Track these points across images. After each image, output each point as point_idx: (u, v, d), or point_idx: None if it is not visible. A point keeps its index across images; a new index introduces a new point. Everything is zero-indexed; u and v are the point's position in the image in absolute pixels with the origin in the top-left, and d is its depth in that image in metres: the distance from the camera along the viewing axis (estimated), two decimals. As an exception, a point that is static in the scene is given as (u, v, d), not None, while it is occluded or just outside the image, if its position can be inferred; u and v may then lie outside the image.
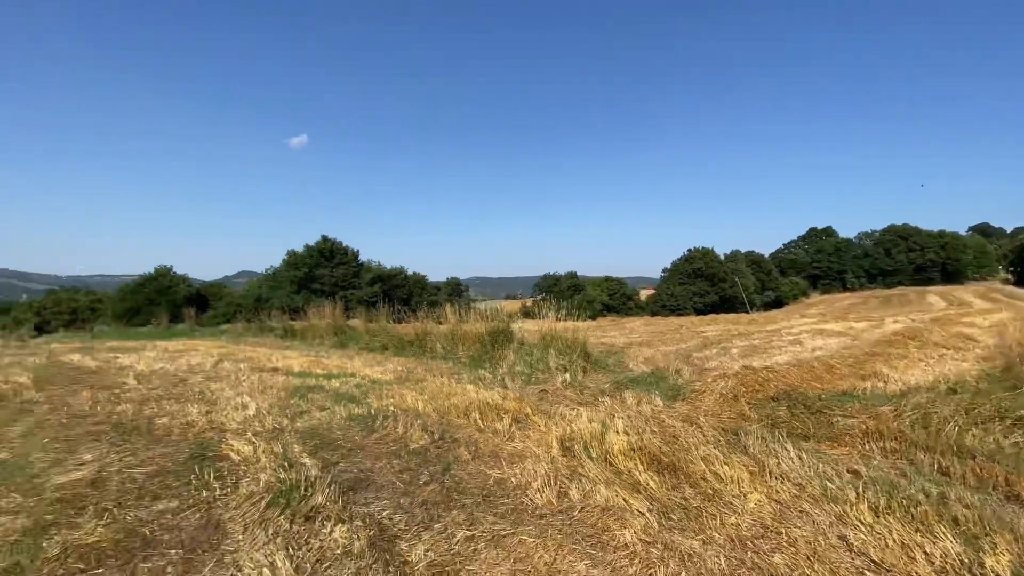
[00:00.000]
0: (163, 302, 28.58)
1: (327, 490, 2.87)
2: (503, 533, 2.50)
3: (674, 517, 2.68)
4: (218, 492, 2.96)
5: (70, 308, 32.34)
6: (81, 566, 2.19)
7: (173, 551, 2.32)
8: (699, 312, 47.40)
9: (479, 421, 4.36)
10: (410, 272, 41.69)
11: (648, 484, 3.07)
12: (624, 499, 2.84)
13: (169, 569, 2.18)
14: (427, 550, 2.33)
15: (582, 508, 2.78)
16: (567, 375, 6.35)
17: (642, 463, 3.36)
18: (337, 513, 2.64)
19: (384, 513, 2.72)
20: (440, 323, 9.74)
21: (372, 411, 4.78)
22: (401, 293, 36.58)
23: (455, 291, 47.43)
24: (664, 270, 58.53)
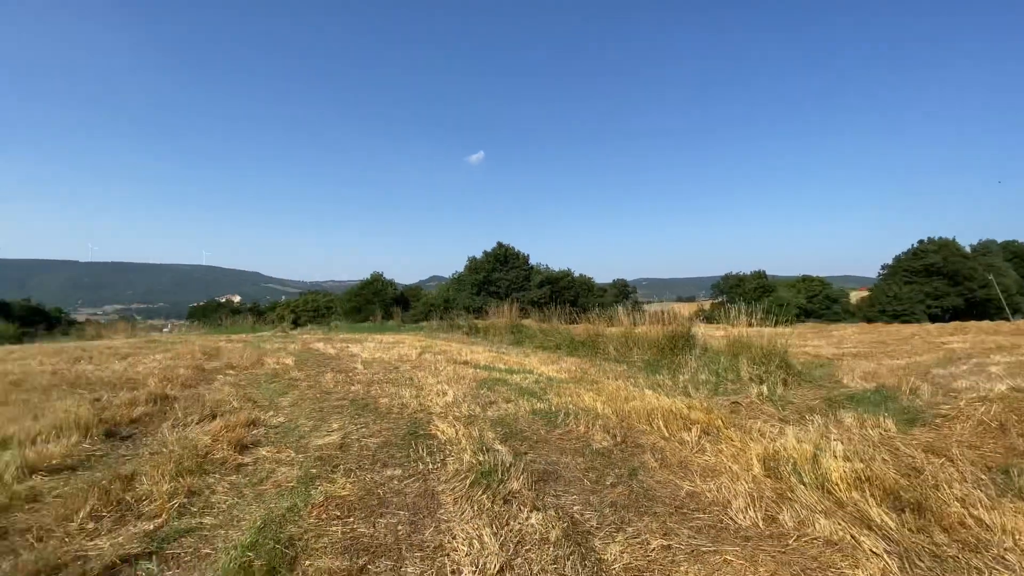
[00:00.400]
0: (377, 302, 34.31)
1: (521, 477, 3.06)
2: (703, 549, 2.33)
3: (922, 564, 2.17)
4: (431, 466, 3.39)
5: (314, 307, 41.08)
6: (338, 513, 2.72)
7: (402, 512, 2.73)
8: (934, 319, 37.82)
9: (663, 429, 4.16)
10: (576, 274, 42.29)
11: (884, 521, 2.54)
12: (852, 535, 2.40)
13: (400, 527, 2.57)
14: (622, 551, 2.30)
15: (798, 537, 2.43)
16: (763, 387, 5.66)
17: (872, 496, 2.81)
18: (532, 501, 2.79)
19: (575, 508, 2.78)
20: (611, 325, 9.63)
21: (552, 407, 4.95)
22: (568, 295, 37.32)
23: (622, 293, 46.49)
24: (883, 267, 48.18)
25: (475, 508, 2.71)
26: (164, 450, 3.67)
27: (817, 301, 45.38)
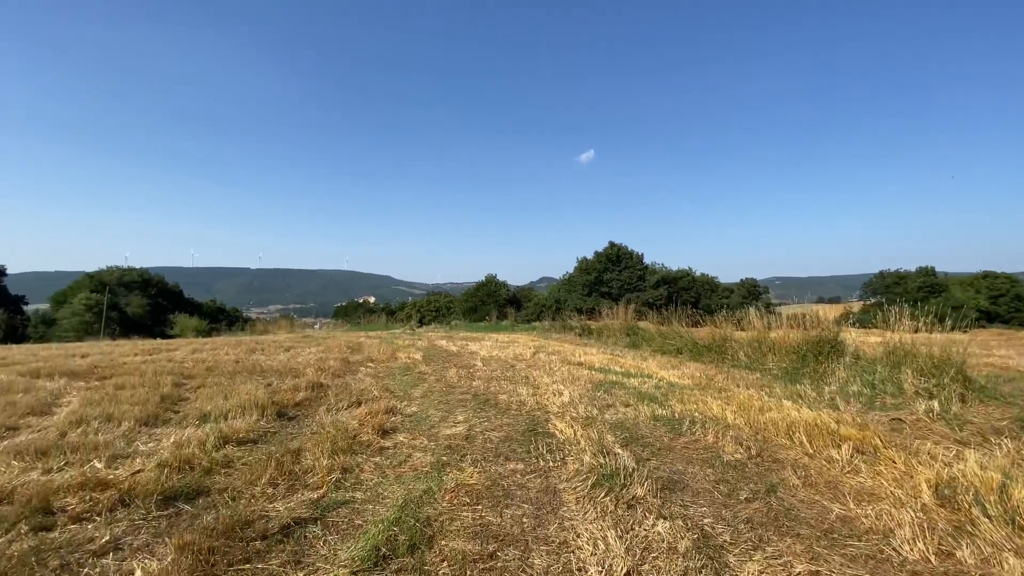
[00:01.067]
0: (491, 303, 35.72)
1: (645, 483, 2.98)
2: (862, 583, 2.05)
3: None
4: (551, 464, 3.45)
5: (436, 307, 44.07)
6: (467, 500, 2.90)
7: (526, 505, 2.82)
8: None
9: (807, 444, 3.74)
10: (697, 274, 39.67)
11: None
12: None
13: (525, 519, 2.66)
14: (761, 571, 2.13)
15: (985, 580, 2.03)
16: (933, 403, 4.78)
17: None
18: (657, 508, 2.70)
19: (705, 520, 2.62)
20: (741, 328, 8.87)
21: (676, 414, 4.72)
22: (688, 296, 35.17)
23: (751, 293, 42.51)
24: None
25: (598, 509, 2.70)
26: (322, 431, 4.24)
27: (1003, 303, 37.04)
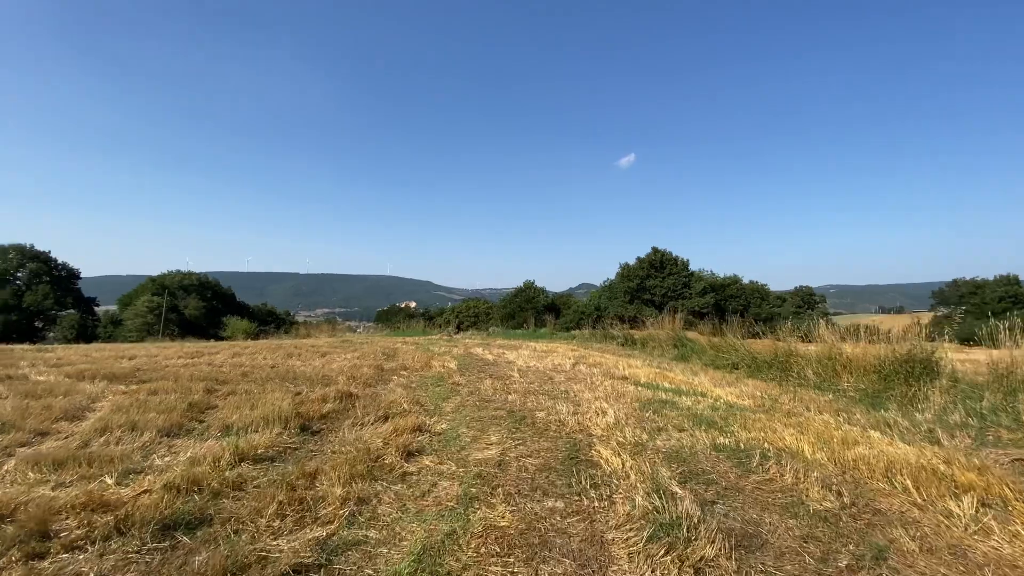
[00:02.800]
0: (529, 309, 35.25)
1: (715, 538, 2.42)
2: None
3: None
4: (596, 503, 2.94)
5: (474, 312, 44.06)
6: (497, 549, 2.44)
7: (567, 560, 2.33)
8: None
9: (913, 491, 3.05)
10: (745, 281, 37.76)
11: None
12: None
13: (565, 580, 2.17)
14: None
15: None
16: (1066, 440, 3.94)
17: None
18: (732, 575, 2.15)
19: (799, 598, 2.05)
20: (808, 341, 8.00)
21: (741, 444, 4.09)
22: (736, 304, 33.46)
23: (805, 302, 40.07)
24: None
25: (657, 573, 2.18)
26: (343, 449, 3.89)
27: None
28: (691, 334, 12.48)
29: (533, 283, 39.05)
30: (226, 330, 36.13)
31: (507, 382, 7.45)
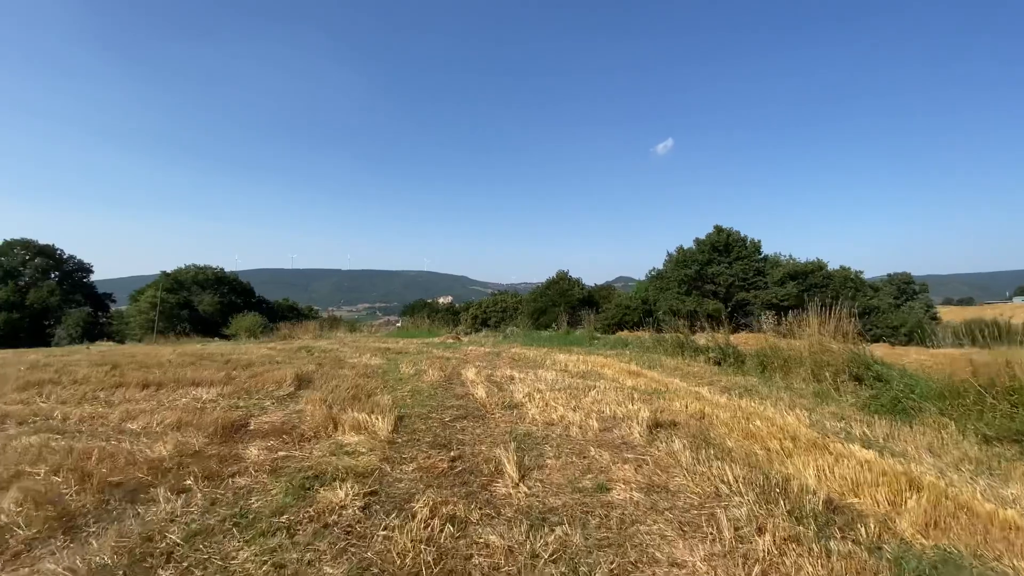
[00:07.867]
0: (562, 303, 29.95)
1: None
2: None
3: None
4: None
5: (502, 307, 39.28)
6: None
7: None
8: None
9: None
10: (831, 267, 31.01)
11: None
12: None
13: None
14: None
15: None
16: None
17: None
18: None
19: None
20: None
21: None
22: (824, 295, 26.98)
23: (903, 292, 32.87)
24: None
25: None
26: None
27: None
28: (879, 348, 6.98)
29: (567, 273, 33.64)
30: (230, 327, 32.89)
31: (491, 484, 2.39)
